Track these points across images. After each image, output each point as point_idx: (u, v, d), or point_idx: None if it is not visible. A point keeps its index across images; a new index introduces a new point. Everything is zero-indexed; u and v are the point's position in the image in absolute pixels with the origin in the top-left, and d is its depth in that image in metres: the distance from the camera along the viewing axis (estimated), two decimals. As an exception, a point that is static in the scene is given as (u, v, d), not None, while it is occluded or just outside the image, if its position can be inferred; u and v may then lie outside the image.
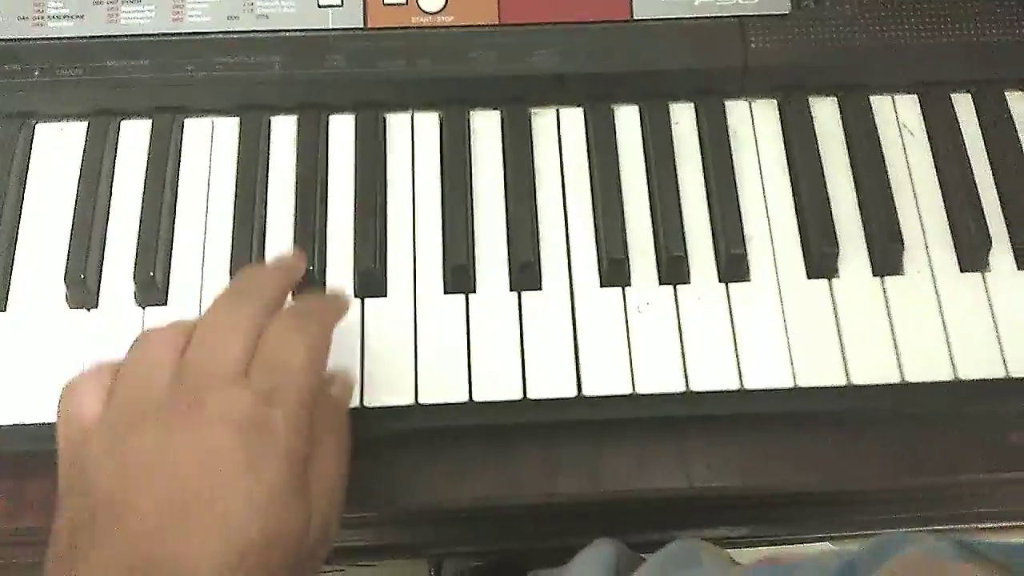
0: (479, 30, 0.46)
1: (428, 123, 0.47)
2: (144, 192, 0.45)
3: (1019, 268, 0.44)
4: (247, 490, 0.31)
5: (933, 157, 0.47)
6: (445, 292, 0.43)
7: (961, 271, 0.44)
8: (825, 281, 0.44)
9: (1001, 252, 0.45)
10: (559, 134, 0.47)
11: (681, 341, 0.42)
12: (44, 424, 0.41)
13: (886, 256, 0.44)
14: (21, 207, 0.45)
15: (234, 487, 0.31)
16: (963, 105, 0.48)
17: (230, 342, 0.34)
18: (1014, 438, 0.44)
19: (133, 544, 0.30)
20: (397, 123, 0.47)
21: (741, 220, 0.44)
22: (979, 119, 0.48)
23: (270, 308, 0.36)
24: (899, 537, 0.28)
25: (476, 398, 0.41)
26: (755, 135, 0.47)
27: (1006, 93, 0.48)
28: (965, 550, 0.26)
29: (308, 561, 0.34)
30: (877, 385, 0.42)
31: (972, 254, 0.44)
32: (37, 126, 0.47)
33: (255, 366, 0.34)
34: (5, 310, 0.43)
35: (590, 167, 0.46)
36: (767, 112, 0.48)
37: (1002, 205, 0.46)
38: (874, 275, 0.44)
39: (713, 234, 0.45)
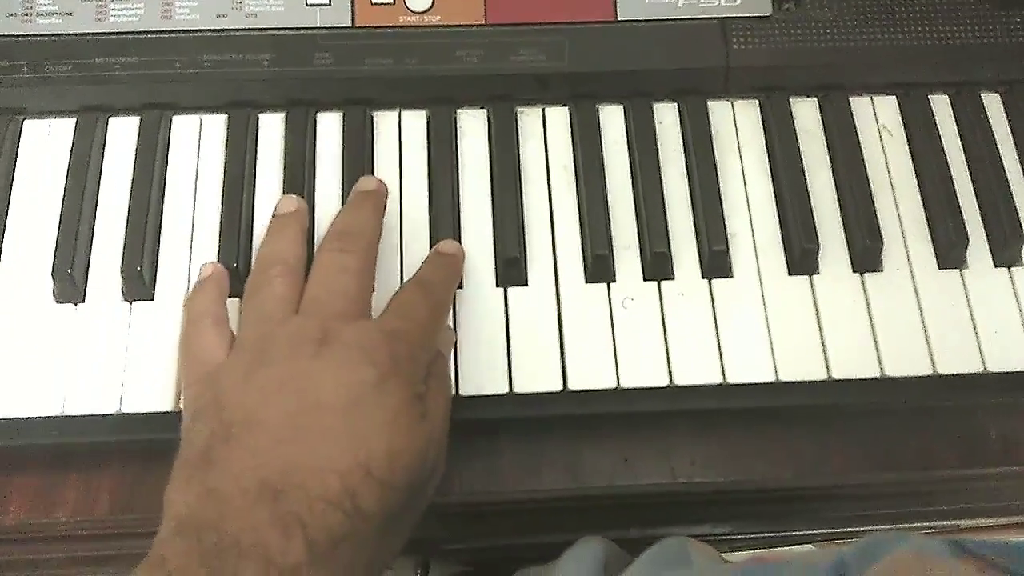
0: (465, 29, 0.47)
1: (415, 121, 0.47)
2: (132, 188, 0.45)
3: (996, 265, 0.45)
4: (374, 406, 0.34)
5: (911, 157, 0.48)
6: (432, 287, 0.44)
7: (939, 268, 0.45)
8: (806, 277, 0.44)
9: (978, 249, 0.45)
10: (544, 132, 0.47)
11: (665, 336, 0.43)
12: (32, 419, 0.41)
13: (865, 253, 0.45)
14: (8, 203, 0.45)
15: (362, 403, 0.34)
16: (941, 106, 0.49)
17: (347, 283, 0.38)
18: (992, 433, 0.45)
19: (266, 453, 0.33)
20: (384, 121, 0.47)
21: (723, 218, 0.45)
22: (956, 120, 0.49)
23: (372, 250, 0.40)
24: (889, 536, 0.28)
25: (463, 392, 0.41)
26: (737, 134, 0.48)
27: (982, 95, 0.49)
28: (956, 548, 0.26)
29: (422, 487, 0.37)
30: (857, 380, 0.42)
31: (950, 251, 0.45)
32: (25, 122, 0.47)
33: (384, 314, 0.38)
34: (-8, 304, 0.43)
35: (575, 165, 0.47)
36: (749, 112, 0.48)
37: (979, 203, 0.47)
38: (854, 271, 0.45)
39: (696, 231, 0.45)
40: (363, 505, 0.33)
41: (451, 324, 0.43)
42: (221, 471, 0.33)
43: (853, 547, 0.29)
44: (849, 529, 0.56)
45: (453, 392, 0.41)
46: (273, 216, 0.43)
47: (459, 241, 0.44)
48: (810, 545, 0.65)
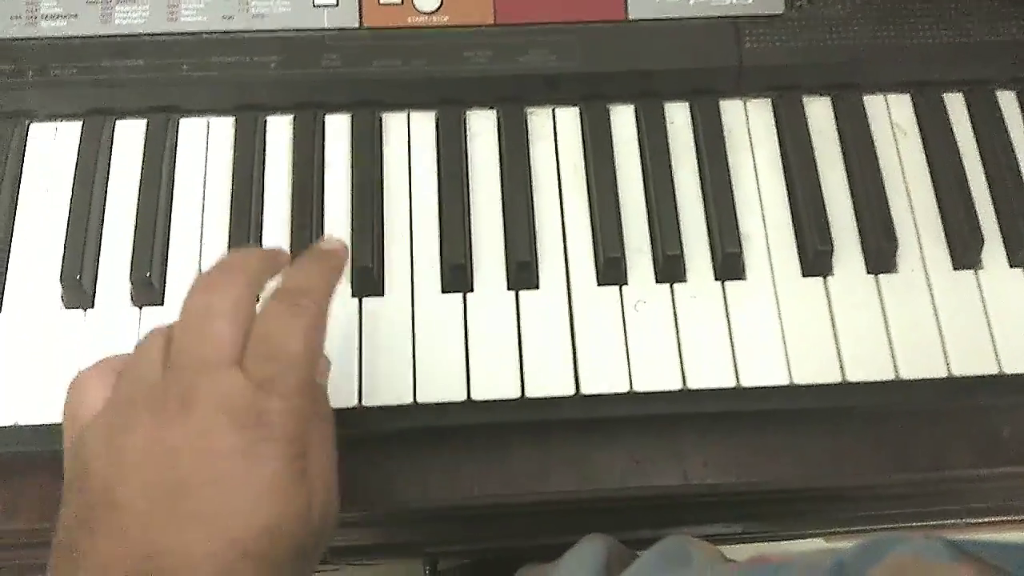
0: (474, 30, 0.46)
1: (424, 123, 0.47)
2: (139, 192, 0.45)
3: (1012, 266, 0.45)
4: (244, 479, 0.31)
5: (926, 156, 0.47)
6: (442, 291, 0.43)
7: (954, 269, 0.45)
8: (820, 279, 0.44)
9: (994, 250, 0.45)
10: (555, 133, 0.47)
11: (678, 339, 0.42)
12: (41, 426, 0.41)
13: (880, 254, 0.44)
14: (15, 207, 0.45)
15: (231, 477, 0.31)
16: (955, 105, 0.48)
17: (216, 327, 0.33)
18: (1005, 433, 0.45)
19: (131, 539, 0.30)
20: (393, 123, 0.47)
21: (736, 219, 0.45)
22: (971, 118, 0.48)
23: (253, 288, 0.34)
24: (889, 537, 0.28)
25: (474, 397, 0.41)
26: (750, 134, 0.47)
27: (997, 93, 0.48)
28: (955, 550, 0.26)
29: (313, 548, 0.34)
30: (872, 382, 0.42)
31: (965, 252, 0.44)
32: (31, 126, 0.46)
33: (250, 353, 0.33)
34: (0, 311, 0.43)
35: (586, 166, 0.46)
36: (762, 111, 0.48)
37: (994, 203, 0.46)
38: (868, 273, 0.44)
39: (709, 233, 0.45)
40: None
41: (456, 329, 0.42)
42: (86, 562, 0.30)
43: (852, 549, 0.29)
44: (861, 528, 0.56)
45: (456, 397, 0.41)
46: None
47: (469, 244, 0.44)
48: (821, 540, 0.65)
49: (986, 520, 0.55)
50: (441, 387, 0.41)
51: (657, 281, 0.44)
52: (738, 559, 0.39)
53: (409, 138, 0.47)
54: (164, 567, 0.30)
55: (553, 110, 0.48)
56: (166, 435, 0.31)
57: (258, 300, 0.34)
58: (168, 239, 0.44)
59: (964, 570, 0.25)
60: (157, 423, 0.31)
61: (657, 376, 0.42)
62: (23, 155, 0.46)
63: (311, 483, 0.33)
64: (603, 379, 0.42)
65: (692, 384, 0.42)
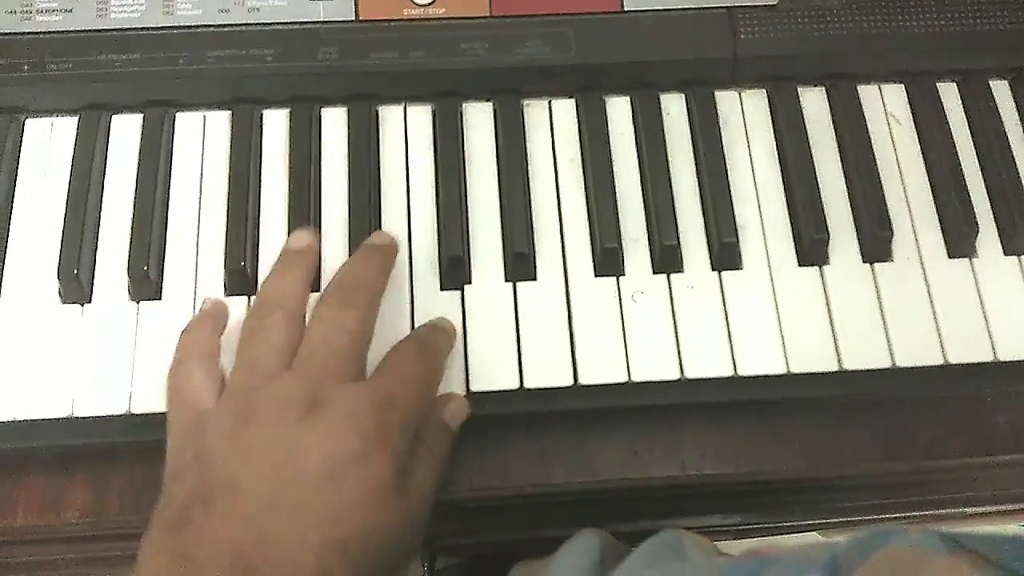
0: (470, 22, 0.46)
1: (421, 115, 0.47)
2: (136, 186, 0.44)
3: (1006, 253, 0.45)
4: (356, 482, 0.34)
5: (920, 145, 0.47)
6: (440, 284, 0.43)
7: (949, 257, 0.45)
8: (816, 268, 0.44)
9: (988, 238, 0.45)
10: (551, 125, 0.47)
11: (675, 329, 0.43)
12: (39, 421, 0.41)
13: (875, 243, 0.44)
14: (12, 203, 0.44)
15: (345, 478, 0.33)
16: (949, 94, 0.48)
17: (344, 345, 0.37)
18: (1001, 421, 0.45)
19: (245, 523, 0.32)
20: (390, 115, 0.47)
21: (732, 209, 0.45)
22: (964, 107, 0.48)
23: (373, 307, 0.39)
24: (883, 530, 0.28)
25: (473, 388, 0.41)
26: (745, 124, 0.47)
27: (990, 81, 0.49)
28: (950, 542, 0.26)
29: (393, 569, 0.36)
30: (868, 370, 0.42)
31: (960, 240, 0.45)
32: (27, 121, 0.46)
33: (377, 375, 0.37)
34: (-2, 306, 0.43)
35: (583, 157, 0.46)
36: (757, 102, 0.48)
37: (988, 191, 0.46)
38: (864, 262, 0.44)
39: (705, 223, 0.45)
40: None
41: (454, 321, 0.42)
42: (197, 538, 0.32)
43: (846, 542, 0.29)
44: (858, 518, 0.56)
45: (455, 389, 0.41)
46: (283, 249, 0.41)
47: (467, 236, 0.44)
48: (816, 534, 0.65)
49: (983, 509, 0.55)
50: (441, 379, 0.41)
51: (654, 272, 0.44)
52: (733, 553, 0.39)
53: (406, 131, 0.47)
54: (272, 554, 0.32)
55: (549, 102, 0.48)
56: (293, 433, 0.34)
57: None
58: (165, 233, 0.44)
59: (959, 563, 0.25)
60: (284, 420, 0.34)
61: (655, 366, 0.42)
62: (19, 150, 0.46)
63: (409, 505, 0.35)
64: (601, 369, 0.42)
65: (690, 374, 0.42)
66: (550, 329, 0.42)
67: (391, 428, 0.35)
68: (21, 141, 0.46)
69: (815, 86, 0.48)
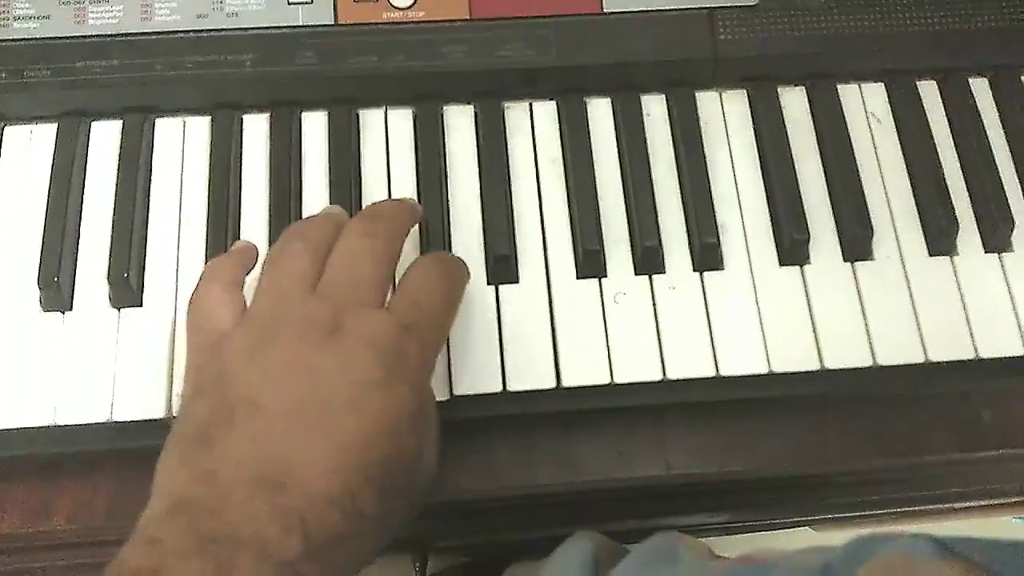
0: (450, 25, 0.46)
1: (401, 119, 0.47)
2: (116, 193, 0.44)
3: (987, 251, 0.45)
4: (378, 410, 0.34)
5: (900, 144, 0.47)
6: (422, 286, 0.43)
7: (930, 255, 0.45)
8: (797, 268, 0.44)
9: (968, 235, 0.45)
10: (532, 127, 0.47)
11: (657, 330, 0.43)
12: (19, 430, 0.41)
13: (856, 242, 0.44)
14: (-9, 211, 0.44)
15: (367, 405, 0.34)
16: (929, 92, 0.49)
17: (368, 272, 0.37)
18: (985, 417, 0.45)
19: (268, 442, 0.33)
20: (370, 119, 0.47)
21: (714, 209, 0.45)
22: (944, 106, 0.48)
23: (402, 238, 0.39)
24: (877, 536, 0.28)
25: (456, 392, 0.41)
26: (726, 125, 0.47)
27: (970, 80, 0.49)
28: (943, 549, 0.26)
29: (415, 492, 0.36)
30: (850, 369, 0.42)
31: (940, 238, 0.45)
32: (5, 128, 0.46)
33: (398, 299, 0.37)
34: (-23, 315, 0.42)
35: (564, 159, 0.46)
36: (737, 102, 0.48)
37: (968, 189, 0.46)
38: (844, 261, 0.45)
39: (687, 224, 0.45)
40: (361, 506, 0.33)
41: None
42: (220, 454, 0.33)
43: (839, 549, 0.29)
44: (845, 515, 0.57)
45: (447, 393, 0.41)
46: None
47: (449, 239, 0.44)
48: (809, 528, 0.66)
49: (968, 504, 0.55)
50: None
51: (636, 273, 0.44)
52: (728, 555, 0.39)
53: (387, 134, 0.47)
54: (295, 474, 0.32)
55: (530, 104, 0.48)
56: (314, 356, 0.34)
57: None
58: (146, 239, 0.44)
59: (952, 569, 0.25)
60: (306, 344, 0.34)
61: (637, 367, 0.42)
62: (-3, 158, 0.45)
63: (422, 438, 0.36)
64: (584, 371, 0.42)
65: (672, 374, 0.42)
66: (533, 331, 0.42)
67: (411, 357, 0.35)
68: (0, 148, 0.46)
69: (795, 86, 0.48)
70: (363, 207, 0.45)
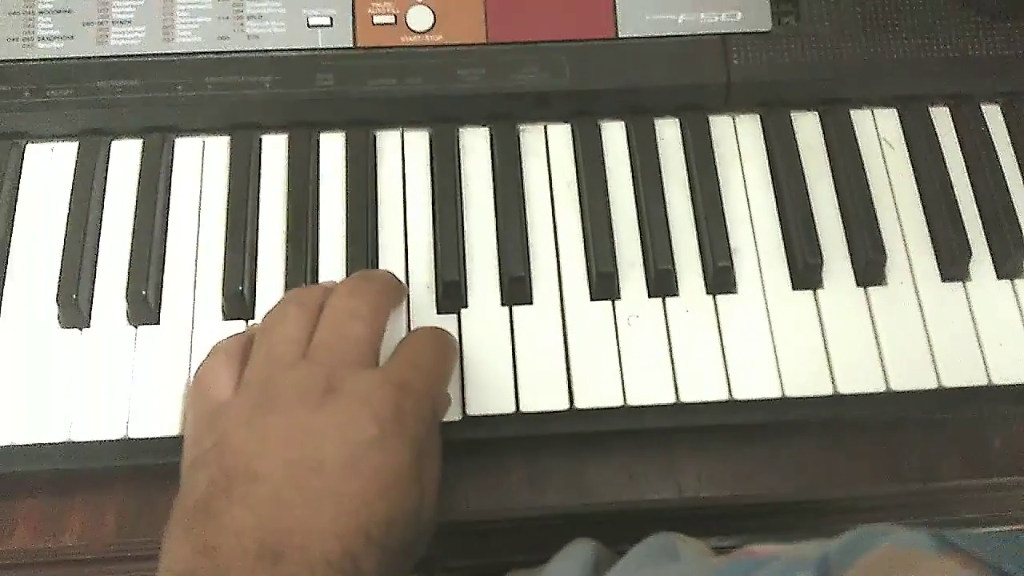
0: (467, 48, 0.47)
1: (418, 140, 0.48)
2: (135, 211, 0.45)
3: (999, 277, 0.45)
4: (376, 468, 0.34)
5: (913, 169, 0.48)
6: (437, 307, 0.44)
7: (943, 281, 0.45)
8: (810, 292, 0.44)
9: (981, 261, 0.45)
10: (547, 150, 0.47)
11: (671, 353, 0.43)
12: (36, 446, 0.41)
13: (869, 267, 0.45)
14: (12, 228, 0.45)
15: (365, 464, 0.34)
16: (941, 118, 0.49)
17: (359, 332, 0.37)
18: (996, 443, 0.45)
19: (267, 511, 0.32)
20: (387, 141, 0.47)
21: (727, 233, 0.45)
22: (957, 132, 0.49)
23: (390, 301, 0.40)
24: (874, 530, 0.28)
25: (470, 412, 0.41)
26: (739, 149, 0.48)
27: (983, 106, 0.49)
28: (940, 541, 0.26)
29: (415, 548, 0.36)
30: (863, 394, 0.42)
31: (953, 264, 0.45)
32: (27, 146, 0.47)
33: (392, 359, 0.38)
34: (-3, 331, 0.43)
35: (578, 182, 0.47)
36: (750, 127, 0.48)
37: (981, 215, 0.47)
38: (857, 285, 0.45)
39: (700, 247, 0.45)
40: (363, 567, 0.32)
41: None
42: (220, 526, 0.32)
43: (837, 542, 0.29)
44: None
45: (460, 413, 0.41)
46: None
47: (463, 260, 0.44)
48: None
49: (980, 531, 0.55)
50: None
51: (650, 295, 0.44)
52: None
53: (403, 156, 0.47)
54: (295, 542, 0.32)
55: (545, 127, 0.48)
56: (309, 419, 0.34)
57: None
58: (164, 258, 0.44)
59: (950, 562, 0.25)
60: (301, 408, 0.34)
61: (650, 390, 0.42)
62: (19, 176, 0.46)
63: (424, 486, 0.36)
64: (597, 393, 0.42)
65: (685, 397, 0.42)
66: (546, 353, 0.43)
67: (406, 414, 0.35)
68: (22, 166, 0.46)
69: (808, 111, 0.49)
70: (379, 227, 0.45)
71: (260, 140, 0.47)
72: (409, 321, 0.43)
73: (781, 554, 0.31)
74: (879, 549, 0.27)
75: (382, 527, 0.33)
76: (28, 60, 0.46)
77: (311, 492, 0.33)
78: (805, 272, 0.44)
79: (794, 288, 0.45)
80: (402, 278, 0.44)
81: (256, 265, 0.44)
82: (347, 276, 0.44)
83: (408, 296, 0.44)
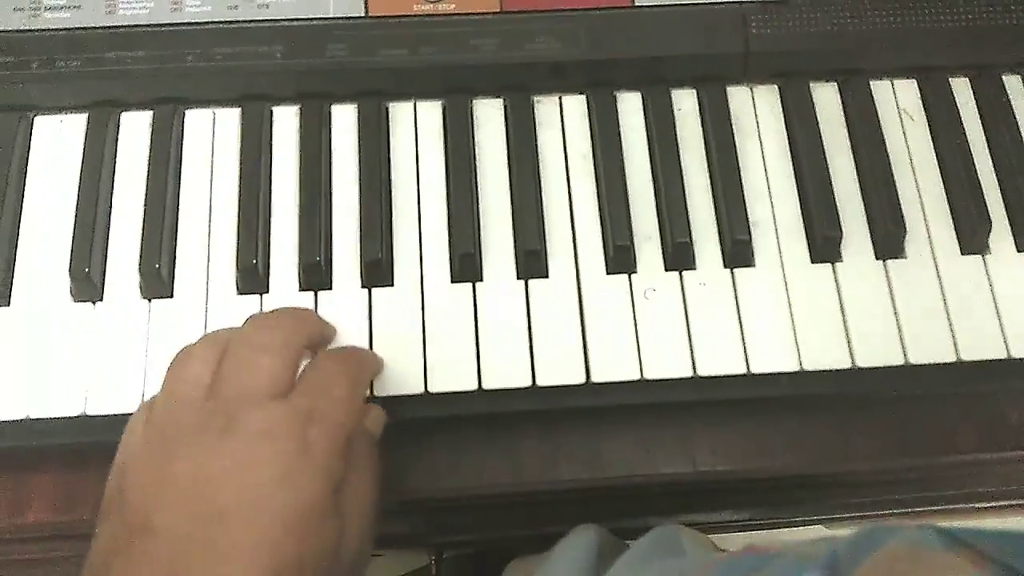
0: (480, 18, 0.46)
1: (431, 112, 0.47)
2: (147, 184, 0.44)
3: (1019, 250, 0.45)
4: (283, 507, 0.32)
5: (933, 141, 0.47)
6: (452, 281, 0.43)
7: (962, 253, 0.45)
8: (829, 265, 0.44)
9: (1001, 234, 0.45)
10: (562, 121, 0.47)
11: (688, 327, 0.42)
12: (50, 419, 0.41)
13: (888, 240, 0.44)
14: (22, 201, 0.44)
15: (270, 503, 0.32)
16: (961, 89, 0.48)
17: (264, 364, 0.34)
18: (1013, 417, 0.45)
19: (166, 567, 0.31)
20: (400, 112, 0.47)
21: (745, 206, 0.44)
22: (977, 102, 0.48)
23: (302, 336, 0.36)
24: (883, 528, 0.28)
25: (486, 386, 0.41)
26: (757, 120, 0.47)
27: (1003, 76, 0.48)
28: (950, 539, 0.26)
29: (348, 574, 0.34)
30: (881, 367, 0.42)
31: (973, 236, 0.44)
32: (36, 119, 0.46)
33: (297, 388, 0.34)
34: (9, 305, 0.42)
35: (594, 154, 0.46)
36: (769, 97, 0.48)
37: (1001, 187, 0.46)
38: (877, 258, 0.44)
39: (717, 220, 0.45)
40: None
41: (466, 318, 0.42)
42: None
43: (845, 540, 0.29)
44: (868, 514, 0.56)
45: (468, 386, 0.41)
46: None
47: (478, 233, 0.44)
48: (821, 527, 0.66)
49: (993, 504, 0.55)
50: (452, 376, 0.41)
51: (666, 269, 0.44)
52: (730, 548, 0.39)
53: (416, 128, 0.47)
54: None
55: (560, 98, 0.47)
56: (207, 463, 0.32)
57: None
58: (176, 230, 0.44)
59: (959, 560, 0.25)
60: (199, 451, 0.32)
61: (667, 364, 0.42)
62: (28, 148, 0.45)
63: (344, 521, 0.34)
64: (613, 367, 0.42)
65: (702, 371, 0.42)
66: (562, 327, 0.42)
67: (314, 445, 0.33)
68: (31, 139, 0.46)
69: (827, 82, 0.48)
70: (392, 200, 0.45)
71: (271, 112, 0.47)
72: (423, 295, 0.43)
73: (786, 552, 0.31)
74: (888, 547, 0.27)
75: (292, 569, 0.31)
76: (35, 31, 0.45)
77: (213, 543, 0.31)
78: (824, 245, 0.44)
79: (812, 261, 0.44)
80: (415, 251, 0.44)
81: (269, 238, 0.44)
82: (360, 250, 0.43)
83: (422, 271, 0.43)
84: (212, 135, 0.46)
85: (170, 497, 0.32)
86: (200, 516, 0.31)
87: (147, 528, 0.31)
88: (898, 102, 0.48)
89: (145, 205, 0.44)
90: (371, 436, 0.38)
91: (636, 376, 0.42)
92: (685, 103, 0.47)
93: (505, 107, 0.47)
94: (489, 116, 0.47)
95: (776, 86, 0.48)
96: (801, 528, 0.62)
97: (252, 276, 0.43)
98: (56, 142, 0.46)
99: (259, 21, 0.46)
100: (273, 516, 0.31)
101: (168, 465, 0.32)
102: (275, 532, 0.31)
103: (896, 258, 0.44)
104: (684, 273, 0.44)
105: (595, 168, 0.46)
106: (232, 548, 0.31)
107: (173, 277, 0.43)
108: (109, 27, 0.45)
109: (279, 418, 0.33)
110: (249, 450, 0.32)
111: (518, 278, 0.43)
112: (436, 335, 0.42)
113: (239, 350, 0.35)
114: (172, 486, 0.32)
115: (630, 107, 0.47)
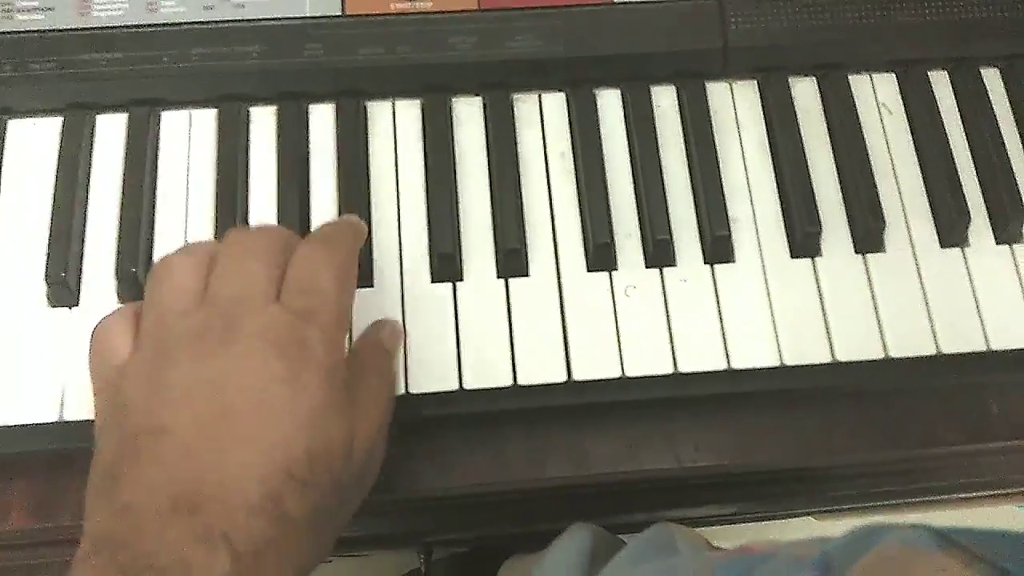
0: (459, 15, 0.46)
1: (409, 111, 0.47)
2: (123, 186, 0.44)
3: (998, 242, 0.45)
4: (289, 404, 0.32)
5: (912, 135, 0.47)
6: (432, 280, 0.43)
7: (941, 247, 0.45)
8: (808, 260, 0.44)
9: (980, 227, 0.45)
10: (542, 119, 0.47)
11: (668, 323, 0.42)
12: (27, 426, 0.40)
13: (868, 234, 0.44)
14: (-4, 205, 0.44)
15: (275, 402, 0.32)
16: (940, 82, 0.48)
17: (254, 269, 0.35)
18: (994, 409, 0.45)
19: (177, 465, 0.31)
20: (378, 111, 0.47)
21: (725, 202, 0.44)
22: (956, 96, 0.48)
23: (284, 241, 0.36)
24: (875, 527, 0.28)
25: (466, 386, 0.41)
26: (736, 116, 0.47)
27: (981, 70, 0.48)
28: (942, 539, 0.26)
29: (352, 488, 0.35)
30: (861, 361, 0.42)
31: (952, 230, 0.45)
32: (9, 122, 0.46)
33: (285, 290, 0.35)
34: (-16, 311, 0.42)
35: (574, 152, 0.46)
36: (748, 93, 0.48)
37: (980, 180, 0.46)
38: (856, 253, 0.44)
39: (698, 216, 0.45)
40: (287, 508, 0.31)
41: (446, 318, 0.42)
42: (132, 486, 0.31)
43: (838, 540, 0.29)
44: (853, 506, 0.56)
45: (449, 386, 0.41)
46: None
47: (458, 232, 0.44)
48: (811, 518, 0.66)
49: (977, 495, 0.55)
50: (434, 377, 0.41)
51: (647, 266, 0.44)
52: (725, 547, 0.39)
53: (395, 127, 0.46)
54: (211, 491, 0.31)
55: (539, 95, 0.47)
56: (210, 366, 0.32)
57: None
58: (153, 233, 0.44)
59: (951, 560, 0.25)
60: (200, 355, 0.33)
61: (648, 360, 0.42)
62: (2, 153, 0.45)
63: (355, 420, 0.34)
64: (595, 365, 0.42)
65: (683, 368, 0.42)
66: (543, 325, 0.42)
67: (314, 344, 0.33)
68: (4, 143, 0.45)
69: (806, 76, 0.48)
70: (371, 199, 0.45)
71: (248, 112, 0.46)
72: (403, 295, 0.43)
73: (779, 552, 0.31)
74: (880, 547, 0.27)
75: (304, 464, 0.32)
76: (7, 33, 0.45)
77: (221, 440, 0.31)
78: (803, 240, 0.44)
79: (792, 256, 0.44)
80: (395, 251, 0.44)
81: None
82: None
83: (401, 270, 0.43)
84: (188, 137, 0.46)
85: (176, 401, 0.32)
86: (209, 416, 0.32)
87: (156, 428, 0.32)
88: (877, 96, 0.48)
89: (121, 208, 0.43)
90: (385, 349, 0.39)
91: (618, 374, 0.42)
92: (664, 100, 0.47)
93: (484, 105, 0.47)
94: (468, 115, 0.47)
95: (755, 81, 0.48)
96: (790, 520, 0.62)
97: (230, 278, 0.42)
98: (30, 146, 0.45)
99: (235, 21, 0.45)
100: (282, 414, 0.32)
101: (170, 370, 0.33)
102: (285, 428, 0.32)
103: (876, 252, 0.44)
104: (665, 270, 0.44)
105: (575, 166, 0.46)
106: (243, 443, 0.31)
107: (150, 280, 0.43)
108: (83, 28, 0.45)
109: (277, 321, 0.33)
110: (252, 353, 0.33)
111: (498, 277, 0.43)
112: (416, 335, 0.42)
113: (227, 258, 0.35)
114: (177, 391, 0.32)
115: (609, 104, 0.47)
